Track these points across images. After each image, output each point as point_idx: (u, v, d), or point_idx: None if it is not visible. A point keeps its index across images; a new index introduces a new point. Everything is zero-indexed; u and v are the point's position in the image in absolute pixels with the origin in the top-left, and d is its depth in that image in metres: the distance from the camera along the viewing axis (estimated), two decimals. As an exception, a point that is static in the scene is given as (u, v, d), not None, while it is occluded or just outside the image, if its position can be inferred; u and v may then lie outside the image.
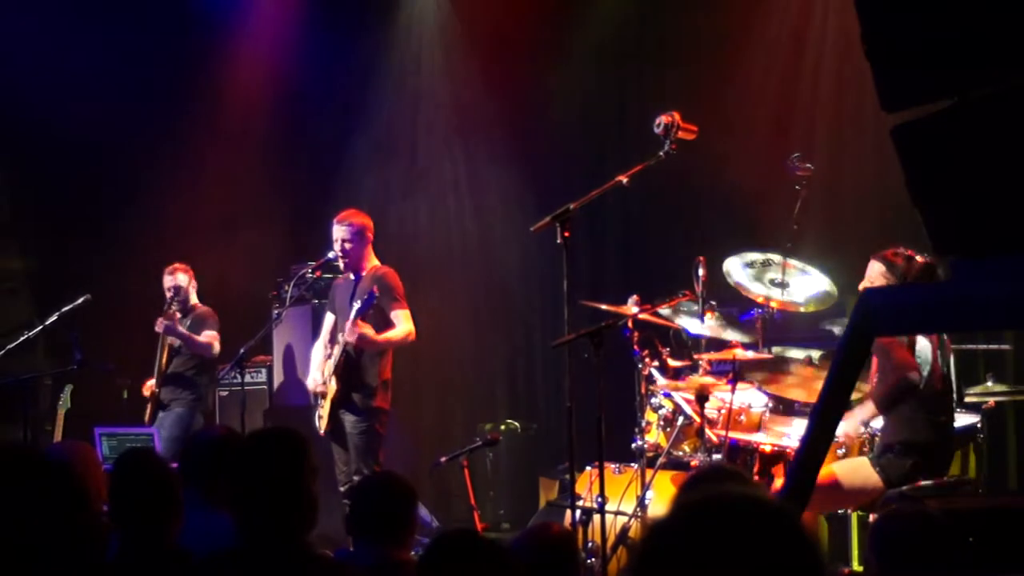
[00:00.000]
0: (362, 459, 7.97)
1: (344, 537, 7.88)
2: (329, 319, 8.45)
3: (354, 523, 4.46)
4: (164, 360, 9.23)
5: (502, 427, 10.07)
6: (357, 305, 7.94)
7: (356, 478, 7.89)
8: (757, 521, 1.74)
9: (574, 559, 4.42)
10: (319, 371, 8.27)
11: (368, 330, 7.93)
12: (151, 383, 9.26)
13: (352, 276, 8.25)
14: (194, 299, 9.37)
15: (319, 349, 8.44)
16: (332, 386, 8.03)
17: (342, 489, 8.09)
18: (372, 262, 8.26)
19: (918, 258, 6.49)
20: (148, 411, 9.25)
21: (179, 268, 9.35)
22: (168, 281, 9.31)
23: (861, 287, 6.67)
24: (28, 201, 10.63)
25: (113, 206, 10.74)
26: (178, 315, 9.18)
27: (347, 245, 8.14)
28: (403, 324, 8.12)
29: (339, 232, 8.18)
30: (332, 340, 8.30)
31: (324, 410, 8.12)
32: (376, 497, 4.44)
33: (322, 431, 8.09)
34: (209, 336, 9.22)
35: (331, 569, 3.79)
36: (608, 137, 10.52)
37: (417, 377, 9.83)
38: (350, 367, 8.03)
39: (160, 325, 9.10)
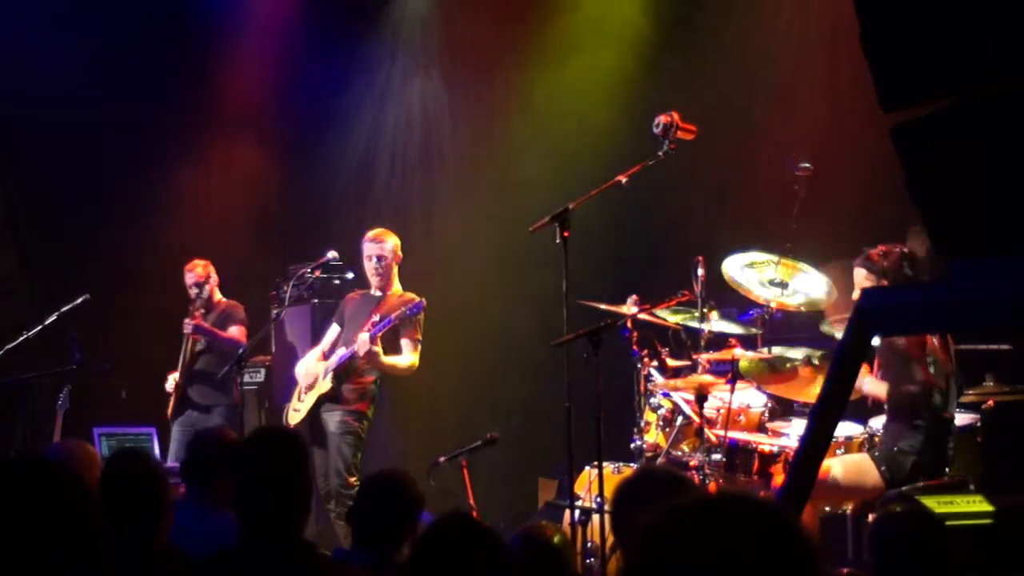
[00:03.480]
0: (343, 459, 8.01)
1: (335, 538, 7.93)
2: (333, 331, 8.46)
3: (357, 520, 4.45)
4: (189, 357, 9.17)
5: (502, 427, 10.06)
6: (375, 319, 7.97)
7: (335, 480, 7.93)
8: (753, 522, 1.74)
9: (568, 560, 4.41)
10: (308, 365, 8.32)
11: (378, 350, 7.95)
12: (174, 377, 9.22)
13: (378, 293, 8.28)
14: (217, 294, 9.32)
15: (315, 355, 8.44)
16: (326, 383, 8.05)
17: (323, 493, 8.11)
18: (397, 283, 8.30)
19: (895, 249, 6.52)
20: (171, 405, 9.19)
21: (198, 263, 9.31)
22: (189, 278, 9.27)
23: (853, 297, 6.69)
24: (26, 201, 10.62)
25: (111, 206, 10.72)
26: (201, 312, 9.14)
27: (383, 263, 8.19)
28: (409, 355, 8.20)
29: (374, 249, 8.24)
30: (332, 350, 8.32)
31: (304, 404, 8.14)
32: (385, 498, 4.43)
33: (292, 424, 8.11)
34: (235, 331, 9.18)
35: (332, 569, 3.79)
36: (607, 136, 10.50)
37: (416, 377, 9.80)
38: (350, 369, 8.05)
39: (188, 327, 9.05)
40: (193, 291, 9.23)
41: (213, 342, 9.10)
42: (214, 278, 9.27)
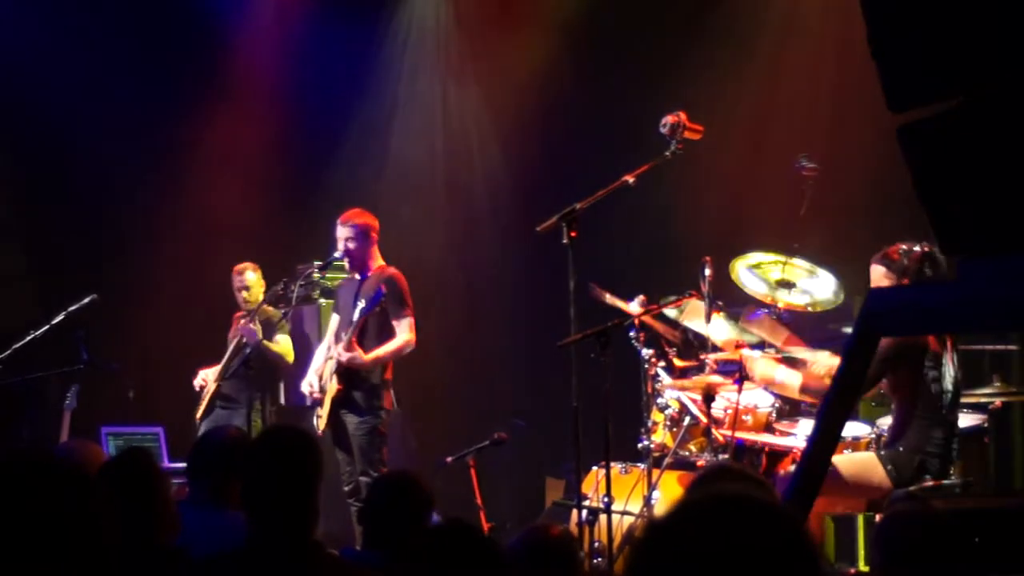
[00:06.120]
0: (367, 460, 7.96)
1: (345, 537, 7.93)
2: (335, 320, 8.46)
3: (367, 521, 4.45)
4: (230, 357, 9.15)
5: (508, 427, 10.06)
6: (361, 305, 7.94)
7: (363, 479, 7.88)
8: (755, 521, 1.74)
9: (574, 560, 4.42)
10: (316, 374, 8.28)
11: (355, 354, 7.91)
12: (206, 374, 9.20)
13: (358, 276, 8.26)
14: (261, 299, 9.31)
15: (322, 350, 8.45)
16: (333, 385, 8.04)
17: (346, 489, 8.09)
18: (378, 262, 8.27)
19: (915, 248, 6.49)
20: (203, 405, 9.15)
21: (248, 267, 9.30)
22: (237, 281, 9.27)
23: None
24: (31, 201, 10.63)
25: (118, 205, 10.73)
26: (245, 315, 9.12)
27: (350, 245, 8.15)
28: (403, 334, 8.10)
29: (342, 232, 8.20)
30: (337, 340, 8.31)
31: (324, 409, 8.12)
32: (394, 499, 4.43)
33: (320, 430, 8.07)
34: (282, 343, 9.17)
35: (341, 569, 3.79)
36: (614, 136, 10.50)
37: (423, 377, 9.81)
38: (353, 371, 8.03)
39: (244, 329, 8.98)
40: (240, 294, 9.24)
41: (259, 350, 9.04)
42: (262, 282, 9.26)
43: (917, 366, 6.50)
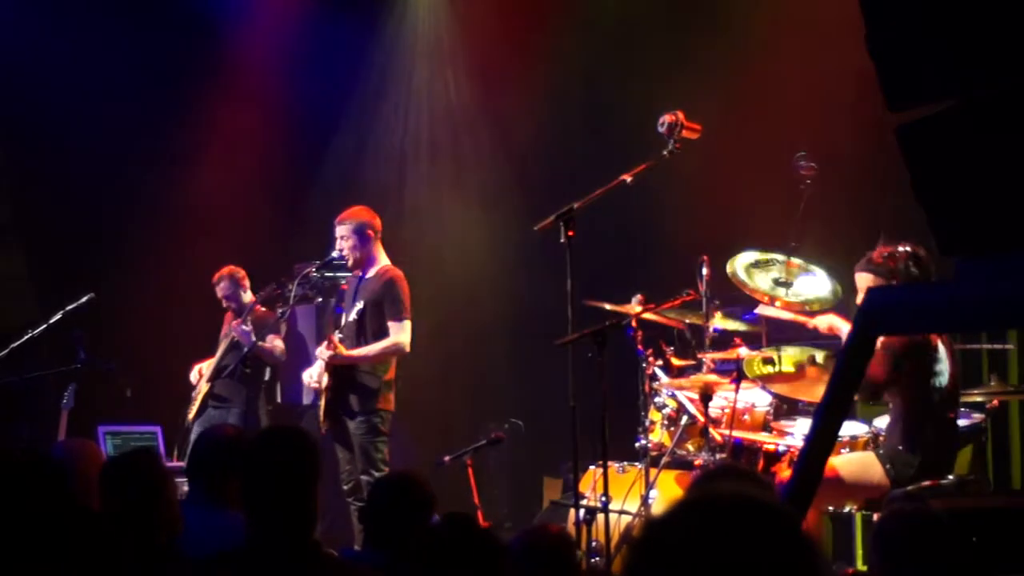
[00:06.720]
0: (367, 459, 7.93)
1: (345, 537, 7.92)
2: (340, 318, 8.46)
3: (368, 521, 4.45)
4: (222, 356, 9.16)
5: (505, 426, 10.07)
6: (359, 305, 7.93)
7: (363, 478, 7.87)
8: (753, 520, 1.74)
9: (572, 560, 4.42)
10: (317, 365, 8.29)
11: (334, 353, 7.89)
12: (200, 368, 9.19)
13: (360, 274, 8.23)
14: (248, 298, 9.30)
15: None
16: (324, 380, 8.01)
17: (346, 488, 8.07)
18: (382, 261, 8.20)
19: (900, 249, 6.48)
20: (196, 406, 9.12)
21: (223, 273, 9.30)
22: (218, 291, 9.28)
23: (858, 301, 6.67)
24: (30, 201, 10.62)
25: (115, 206, 10.73)
26: (234, 310, 9.15)
27: (347, 243, 8.11)
28: (395, 335, 7.99)
29: (338, 231, 8.16)
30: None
31: (321, 404, 8.11)
32: (394, 501, 4.43)
33: (322, 429, 8.06)
34: (274, 342, 9.19)
35: (341, 569, 3.79)
36: (612, 135, 10.50)
37: (421, 376, 9.80)
38: (348, 367, 7.99)
39: (237, 330, 8.99)
40: (225, 302, 9.26)
41: (254, 351, 9.04)
42: (244, 282, 9.26)
43: (922, 364, 6.50)
